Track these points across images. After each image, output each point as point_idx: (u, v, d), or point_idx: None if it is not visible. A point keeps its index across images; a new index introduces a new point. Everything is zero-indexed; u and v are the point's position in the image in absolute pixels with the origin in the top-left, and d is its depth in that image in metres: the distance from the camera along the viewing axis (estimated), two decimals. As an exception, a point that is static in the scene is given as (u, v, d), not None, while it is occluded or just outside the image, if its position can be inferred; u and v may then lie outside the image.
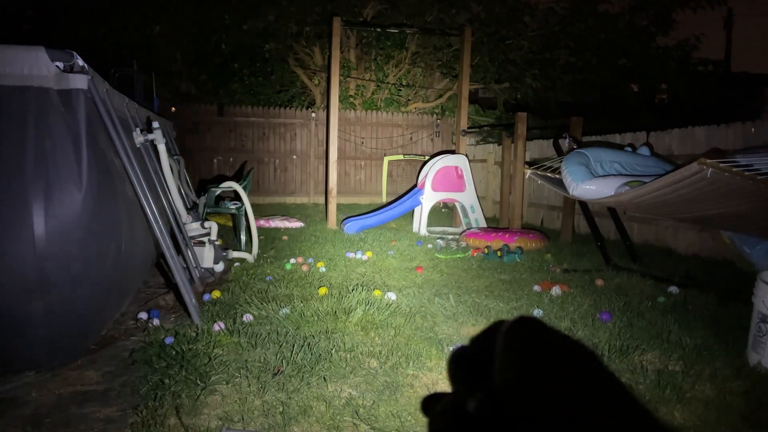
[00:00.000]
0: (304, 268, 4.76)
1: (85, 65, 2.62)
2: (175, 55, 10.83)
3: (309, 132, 11.41)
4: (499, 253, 5.46)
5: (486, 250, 5.61)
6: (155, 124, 3.77)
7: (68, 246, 2.43)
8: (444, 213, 9.36)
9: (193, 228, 4.31)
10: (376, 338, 3.02)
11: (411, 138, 11.87)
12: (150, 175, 3.56)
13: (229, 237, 6.32)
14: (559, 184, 5.14)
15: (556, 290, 4.05)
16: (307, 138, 11.42)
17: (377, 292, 3.87)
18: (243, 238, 5.69)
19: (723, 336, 3.09)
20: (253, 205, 5.31)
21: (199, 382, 2.36)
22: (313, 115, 11.41)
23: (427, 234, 7.02)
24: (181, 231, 3.97)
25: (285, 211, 9.07)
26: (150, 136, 3.68)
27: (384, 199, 10.60)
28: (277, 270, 4.69)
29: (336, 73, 7.62)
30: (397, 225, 7.61)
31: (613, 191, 4.39)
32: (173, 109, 10.78)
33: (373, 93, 12.02)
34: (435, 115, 12.10)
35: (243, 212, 5.56)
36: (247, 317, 3.23)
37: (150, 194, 3.09)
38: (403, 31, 9.68)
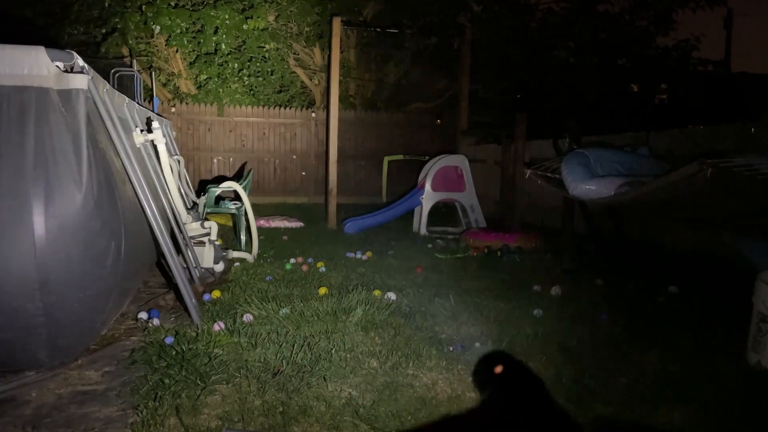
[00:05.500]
0: (304, 268, 4.76)
1: (85, 65, 2.62)
2: (175, 55, 10.82)
3: (309, 132, 11.40)
4: (498, 253, 5.46)
5: (486, 250, 5.61)
6: (155, 124, 3.77)
7: (68, 246, 2.43)
8: (444, 213, 9.35)
9: (193, 228, 4.31)
10: (376, 338, 3.02)
11: (411, 138, 11.86)
12: (150, 175, 3.56)
13: (229, 237, 6.32)
14: (559, 184, 5.13)
15: (556, 290, 4.05)
16: (307, 138, 11.41)
17: (377, 292, 3.87)
18: (243, 238, 5.69)
19: (723, 336, 3.09)
20: (253, 205, 5.31)
21: (199, 382, 2.36)
22: (313, 115, 11.41)
23: (427, 234, 7.02)
24: (181, 231, 3.97)
25: (285, 211, 9.06)
26: (150, 136, 3.68)
27: (384, 199, 10.60)
28: (277, 270, 4.69)
29: (336, 73, 7.62)
30: (397, 225, 7.61)
31: (613, 191, 4.39)
32: (173, 109, 10.77)
33: (373, 93, 12.01)
34: (435, 115, 12.08)
35: (243, 212, 5.56)
36: (247, 317, 3.23)
37: (150, 194, 3.09)
38: (403, 31, 9.68)
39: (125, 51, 10.58)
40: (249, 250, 5.19)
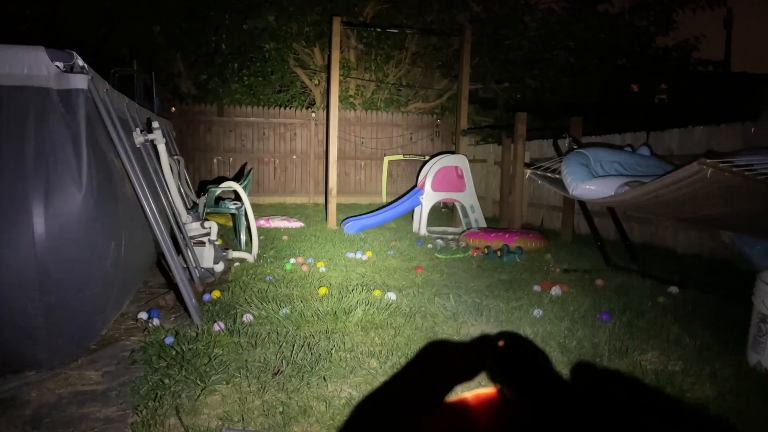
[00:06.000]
0: (304, 268, 4.76)
1: (85, 65, 2.62)
2: (175, 55, 10.82)
3: (309, 132, 11.41)
4: (499, 253, 5.46)
5: (486, 250, 5.61)
6: (155, 124, 3.78)
7: (68, 246, 2.43)
8: (444, 213, 9.36)
9: (193, 228, 4.31)
10: (376, 338, 3.02)
11: (411, 138, 11.87)
12: (150, 175, 3.56)
13: (229, 237, 6.32)
14: (559, 184, 5.14)
15: (556, 290, 4.05)
16: (307, 138, 11.42)
17: (377, 292, 3.87)
18: (243, 238, 5.69)
19: (723, 336, 3.09)
20: (253, 205, 5.31)
21: (199, 382, 2.36)
22: (313, 115, 11.42)
23: (427, 234, 7.02)
24: (181, 231, 3.97)
25: (285, 211, 9.06)
26: (150, 136, 3.68)
27: (384, 199, 10.61)
28: (277, 270, 4.69)
29: (336, 73, 7.62)
30: (397, 225, 7.61)
31: (613, 191, 4.39)
32: (173, 109, 10.77)
33: (373, 93, 12.02)
34: (435, 115, 12.10)
35: (243, 212, 5.56)
36: (247, 317, 3.23)
37: (150, 194, 3.09)
38: (403, 31, 9.68)
39: (125, 51, 10.59)
40: (249, 250, 5.19)
